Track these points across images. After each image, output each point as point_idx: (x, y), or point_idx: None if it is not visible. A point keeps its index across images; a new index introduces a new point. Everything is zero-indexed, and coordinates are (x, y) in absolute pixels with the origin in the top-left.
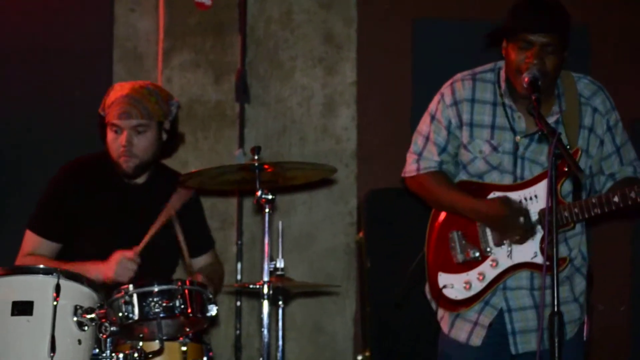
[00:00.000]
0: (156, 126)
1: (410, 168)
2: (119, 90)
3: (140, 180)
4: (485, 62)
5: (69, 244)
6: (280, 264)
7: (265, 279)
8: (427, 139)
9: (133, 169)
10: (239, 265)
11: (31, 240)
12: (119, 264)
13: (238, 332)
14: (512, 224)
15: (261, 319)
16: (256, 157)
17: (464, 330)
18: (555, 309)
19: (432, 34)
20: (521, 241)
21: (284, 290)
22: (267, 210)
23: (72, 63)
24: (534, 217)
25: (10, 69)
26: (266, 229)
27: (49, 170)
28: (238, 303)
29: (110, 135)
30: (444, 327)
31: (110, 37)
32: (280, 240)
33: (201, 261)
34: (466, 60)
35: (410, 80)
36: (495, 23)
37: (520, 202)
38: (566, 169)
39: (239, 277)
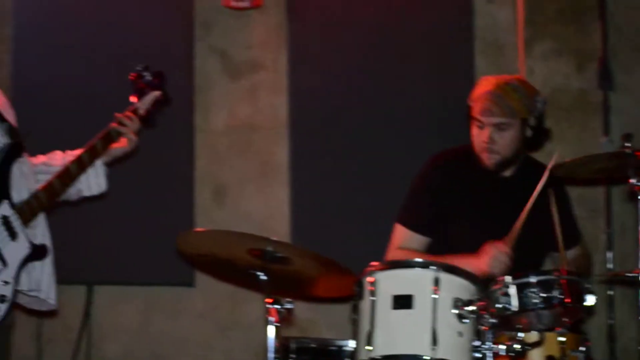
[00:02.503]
0: (519, 123)
1: None
2: (485, 85)
3: (508, 173)
4: None
5: (438, 238)
6: None
7: None
8: None
9: (494, 165)
10: (609, 254)
11: (401, 234)
12: (492, 257)
13: (611, 321)
14: None
15: (635, 307)
16: (628, 144)
17: None
18: None
19: None
20: None
21: None
22: None
23: (433, 55)
24: None
25: (370, 61)
26: None
27: (414, 165)
28: (610, 292)
29: (474, 129)
30: None
31: (470, 29)
32: None
33: (570, 254)
34: None
35: None
36: None
37: None
38: None
39: (609, 265)
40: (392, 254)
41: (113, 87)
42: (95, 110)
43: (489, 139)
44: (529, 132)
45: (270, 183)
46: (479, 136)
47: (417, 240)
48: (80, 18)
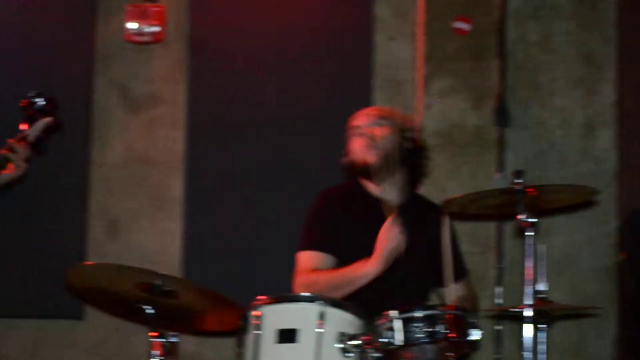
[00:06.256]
0: (397, 129)
1: None
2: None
3: (395, 201)
4: None
5: (340, 258)
6: (542, 287)
7: (528, 302)
8: None
9: (376, 161)
10: (499, 289)
11: (307, 258)
12: (385, 236)
13: (500, 356)
14: None
15: (521, 343)
16: (518, 181)
17: None
18: None
19: None
20: None
21: (546, 313)
22: (529, 233)
23: (332, 90)
24: None
25: (272, 95)
26: (528, 253)
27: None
28: (498, 327)
29: (354, 142)
30: None
31: (370, 65)
32: (541, 263)
33: (455, 290)
34: None
35: None
36: None
37: None
38: None
39: (499, 300)
40: (303, 278)
41: (9, 115)
42: None
43: (369, 134)
44: (407, 144)
45: (163, 217)
46: (359, 141)
47: (325, 259)
48: None
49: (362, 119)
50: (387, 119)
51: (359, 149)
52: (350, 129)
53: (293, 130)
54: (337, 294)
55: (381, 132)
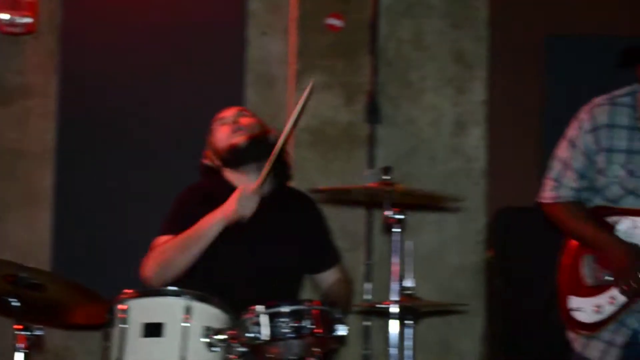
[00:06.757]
0: (261, 122)
1: (548, 195)
2: None
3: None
4: (621, 80)
5: None
6: (409, 283)
7: (394, 298)
8: (566, 165)
9: (245, 142)
10: (368, 285)
11: (159, 242)
12: (239, 199)
13: (369, 351)
14: (629, 277)
15: (387, 339)
16: (387, 177)
17: (597, 350)
18: None
19: (565, 51)
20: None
21: (413, 310)
22: (396, 229)
23: (204, 84)
24: None
25: (143, 89)
26: (395, 249)
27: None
28: (367, 323)
29: (218, 132)
30: (577, 346)
31: (243, 61)
32: (409, 259)
33: (328, 277)
34: (600, 78)
35: (543, 98)
36: (631, 39)
37: None
38: None
39: (368, 296)
40: (151, 253)
41: None
42: None
43: (233, 120)
44: (271, 137)
45: (33, 209)
46: (224, 129)
47: None
48: None
49: (226, 112)
50: (251, 113)
51: (225, 135)
52: (214, 123)
53: (164, 124)
54: (189, 255)
55: (247, 120)
